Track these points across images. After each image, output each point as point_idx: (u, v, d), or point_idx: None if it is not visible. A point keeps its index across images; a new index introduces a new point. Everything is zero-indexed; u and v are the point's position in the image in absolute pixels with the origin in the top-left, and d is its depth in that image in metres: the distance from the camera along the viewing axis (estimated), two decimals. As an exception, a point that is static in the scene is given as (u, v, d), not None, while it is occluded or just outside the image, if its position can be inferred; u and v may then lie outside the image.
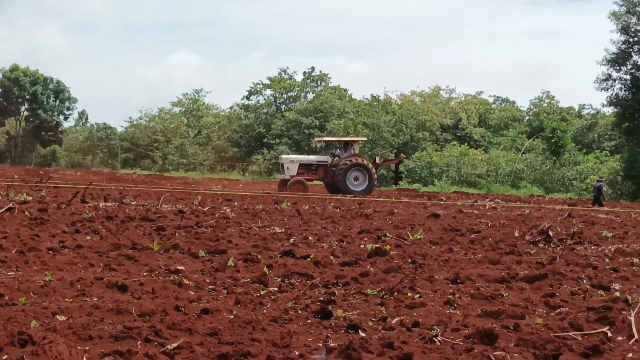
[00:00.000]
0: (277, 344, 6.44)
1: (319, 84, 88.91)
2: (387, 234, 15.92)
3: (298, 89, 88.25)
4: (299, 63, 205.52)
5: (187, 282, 9.40)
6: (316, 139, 45.84)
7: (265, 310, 7.95)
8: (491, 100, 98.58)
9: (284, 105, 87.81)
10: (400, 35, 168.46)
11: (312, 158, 41.24)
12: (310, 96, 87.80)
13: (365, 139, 49.82)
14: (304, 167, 39.49)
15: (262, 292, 9.00)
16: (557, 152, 62.81)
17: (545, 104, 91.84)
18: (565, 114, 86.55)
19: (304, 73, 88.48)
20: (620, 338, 7.43)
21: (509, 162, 63.59)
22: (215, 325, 6.97)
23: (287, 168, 39.24)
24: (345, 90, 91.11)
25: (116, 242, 12.71)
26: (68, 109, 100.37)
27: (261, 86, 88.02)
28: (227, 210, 21.02)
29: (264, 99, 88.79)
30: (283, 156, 41.90)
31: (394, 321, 7.68)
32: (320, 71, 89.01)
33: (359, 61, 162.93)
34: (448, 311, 8.31)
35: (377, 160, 41.71)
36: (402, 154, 46.06)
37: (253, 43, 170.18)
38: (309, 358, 6.06)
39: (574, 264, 12.52)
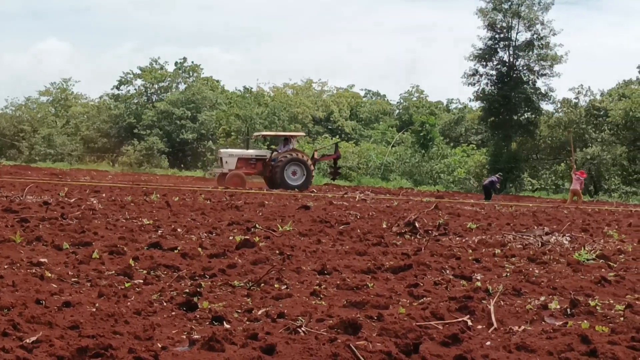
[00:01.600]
0: (140, 336, 6.35)
1: (191, 74, 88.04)
2: (257, 225, 15.91)
3: (169, 79, 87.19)
4: (172, 53, 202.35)
5: (50, 274, 9.16)
6: (255, 133, 45.46)
7: (129, 303, 7.82)
8: (362, 93, 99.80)
9: (155, 96, 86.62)
10: (273, 28, 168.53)
11: (251, 152, 41.06)
12: (182, 87, 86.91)
13: (303, 134, 49.91)
14: (242, 161, 39.47)
15: (126, 285, 8.86)
16: (425, 145, 64.09)
17: (415, 98, 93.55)
18: (434, 108, 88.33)
19: (176, 63, 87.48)
20: (480, 327, 7.63)
21: (379, 155, 64.51)
22: (77, 318, 6.82)
23: (226, 162, 39.18)
24: (217, 81, 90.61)
25: (-24, 234, 12.30)
26: None
27: (132, 76, 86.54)
28: (94, 201, 20.62)
29: (135, 89, 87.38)
30: (222, 150, 41.86)
31: (259, 312, 7.68)
32: (193, 62, 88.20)
33: (233, 53, 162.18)
34: (314, 302, 8.37)
35: (316, 156, 42.25)
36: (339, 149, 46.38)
37: (126, 32, 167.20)
38: (172, 350, 5.99)
39: (438, 254, 12.80)
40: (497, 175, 42.21)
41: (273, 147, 41.33)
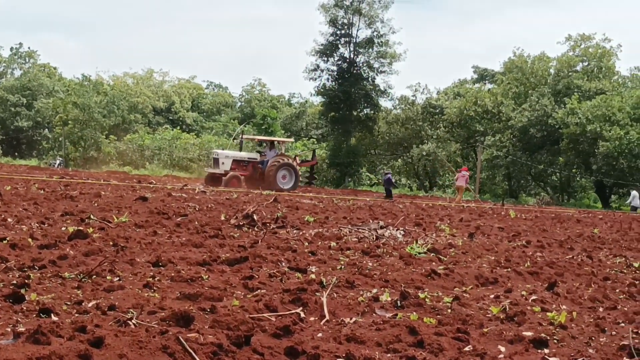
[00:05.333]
0: (-39, 330, 6.11)
1: (27, 61, 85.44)
2: (92, 216, 15.54)
3: (4, 65, 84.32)
4: (9, 38, 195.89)
5: None
6: (244, 136, 45.44)
7: (-49, 296, 7.51)
8: (204, 85, 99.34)
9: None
10: (116, 15, 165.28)
11: (244, 155, 42.08)
12: (17, 73, 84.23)
13: (292, 140, 50.74)
14: (236, 162, 40.50)
15: (-51, 277, 8.50)
16: (267, 138, 64.33)
17: (257, 92, 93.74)
18: (275, 102, 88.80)
19: (11, 49, 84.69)
20: (312, 318, 7.71)
21: (221, 147, 64.33)
22: None
23: (222, 163, 40.05)
24: (54, 68, 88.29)
25: None
26: None
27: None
28: None
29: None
30: (218, 151, 42.58)
31: (89, 304, 7.52)
32: (29, 47, 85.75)
33: (73, 40, 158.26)
34: (147, 294, 8.25)
35: (297, 160, 43.34)
36: (317, 156, 48.21)
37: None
38: (-5, 344, 5.78)
39: (275, 247, 12.87)
40: (387, 172, 43.40)
41: (259, 150, 41.92)
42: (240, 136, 45.11)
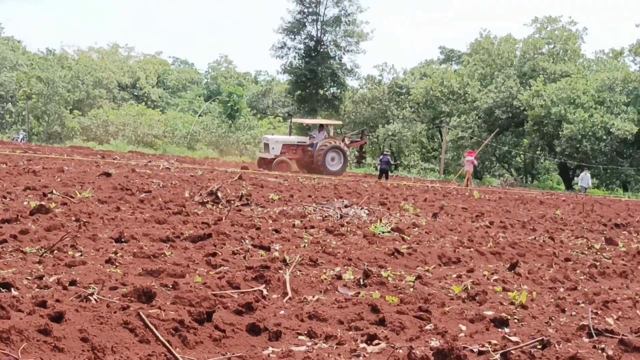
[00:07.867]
0: None
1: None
2: (54, 191, 15.39)
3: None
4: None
5: None
6: (293, 120, 45.30)
7: None
8: (170, 61, 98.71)
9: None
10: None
11: (293, 139, 42.10)
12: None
13: (340, 122, 50.55)
14: (286, 147, 40.55)
15: None
16: (232, 116, 64.07)
17: (224, 68, 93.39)
18: (242, 79, 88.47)
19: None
20: (275, 296, 7.73)
21: (186, 124, 63.98)
22: None
23: (272, 148, 40.11)
24: (18, 41, 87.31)
25: None
26: None
27: None
28: None
29: None
30: (268, 136, 42.81)
31: (50, 279, 7.47)
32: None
33: (38, 13, 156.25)
34: (108, 270, 8.21)
35: (346, 141, 43.21)
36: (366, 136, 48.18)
37: None
38: (-47, 318, 5.72)
39: (238, 224, 12.85)
40: (385, 153, 43.67)
41: (309, 133, 41.93)
42: (290, 120, 45.31)
